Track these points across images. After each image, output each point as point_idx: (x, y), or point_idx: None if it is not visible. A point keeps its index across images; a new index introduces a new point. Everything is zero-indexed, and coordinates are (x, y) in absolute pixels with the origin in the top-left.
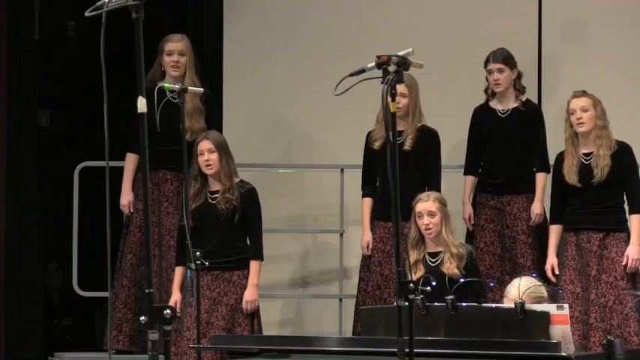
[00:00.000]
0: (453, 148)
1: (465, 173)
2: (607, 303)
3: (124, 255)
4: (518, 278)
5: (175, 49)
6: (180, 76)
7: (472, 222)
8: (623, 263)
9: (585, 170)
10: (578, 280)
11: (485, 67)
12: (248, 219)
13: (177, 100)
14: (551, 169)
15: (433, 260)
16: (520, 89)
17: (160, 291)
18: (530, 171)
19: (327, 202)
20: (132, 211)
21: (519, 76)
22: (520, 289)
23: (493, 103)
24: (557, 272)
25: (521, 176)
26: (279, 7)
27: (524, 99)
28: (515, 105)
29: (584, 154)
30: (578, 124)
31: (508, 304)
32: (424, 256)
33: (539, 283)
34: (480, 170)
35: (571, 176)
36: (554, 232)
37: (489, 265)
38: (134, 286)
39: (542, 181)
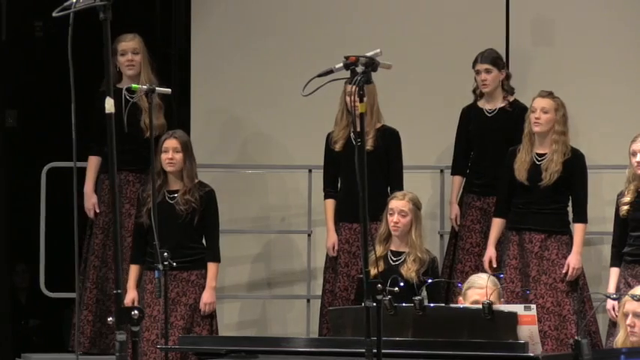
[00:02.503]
0: (411, 148)
1: (453, 173)
2: (545, 304)
3: (88, 257)
4: (478, 274)
5: (128, 47)
6: (135, 74)
7: (459, 223)
8: (564, 271)
9: (535, 170)
10: (518, 280)
11: (474, 67)
12: (206, 221)
13: (136, 100)
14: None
15: (395, 259)
16: (508, 90)
17: (123, 292)
18: None
19: (294, 202)
20: (97, 211)
21: (507, 77)
22: (486, 278)
23: (481, 103)
24: (494, 265)
25: None
26: (244, 9)
27: (512, 99)
28: (502, 105)
29: (537, 154)
30: (535, 123)
31: (475, 294)
32: (387, 253)
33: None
34: (467, 171)
35: (521, 173)
36: (497, 225)
37: (474, 266)
38: (95, 287)
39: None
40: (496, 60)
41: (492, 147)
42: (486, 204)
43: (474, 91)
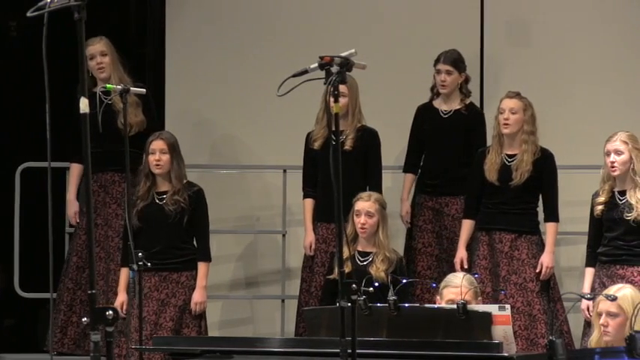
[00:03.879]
0: (393, 148)
1: (405, 171)
2: (515, 304)
3: (70, 257)
4: (454, 274)
5: (96, 51)
6: (107, 77)
7: (409, 220)
8: (537, 270)
9: (506, 171)
10: (488, 280)
11: (435, 65)
12: (196, 221)
13: (112, 101)
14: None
15: (362, 259)
16: (466, 93)
17: (108, 293)
18: (469, 173)
19: (268, 203)
20: (77, 221)
21: (467, 80)
22: (464, 278)
23: (437, 103)
24: (465, 266)
25: (459, 177)
26: (220, 10)
27: (468, 102)
28: (458, 107)
29: (507, 154)
30: (504, 124)
31: (450, 293)
32: (354, 254)
33: (475, 281)
34: (419, 169)
35: (491, 174)
36: (467, 226)
37: (427, 266)
38: (79, 288)
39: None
40: (457, 62)
41: (446, 148)
42: (438, 204)
43: (432, 89)
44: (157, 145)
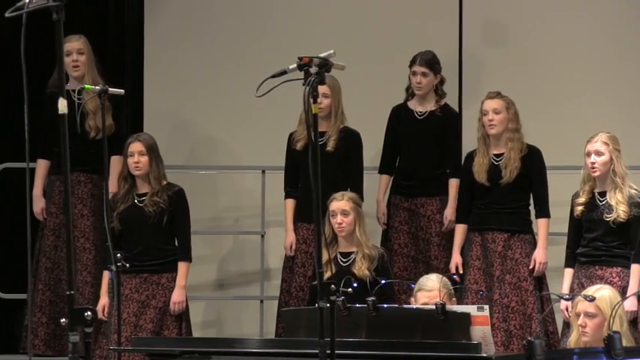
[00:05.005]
0: (368, 149)
1: (380, 172)
2: (510, 303)
3: (39, 258)
4: (428, 275)
5: (73, 48)
6: (81, 75)
7: (385, 221)
8: (530, 267)
9: (494, 170)
10: (482, 280)
11: (410, 67)
12: (177, 221)
13: (82, 101)
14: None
15: (344, 260)
16: (441, 94)
17: (75, 293)
18: (444, 174)
19: (247, 203)
20: (45, 216)
21: (442, 81)
22: (435, 282)
23: (412, 104)
24: (460, 271)
25: (434, 178)
26: (198, 10)
27: (442, 103)
28: (433, 108)
29: (494, 154)
30: (490, 125)
31: (424, 296)
32: (336, 255)
33: (449, 282)
34: (394, 171)
35: (480, 175)
36: (460, 231)
37: (403, 267)
38: (48, 289)
39: (456, 187)
40: (433, 64)
41: (421, 149)
42: (414, 205)
43: (407, 90)
44: (135, 147)
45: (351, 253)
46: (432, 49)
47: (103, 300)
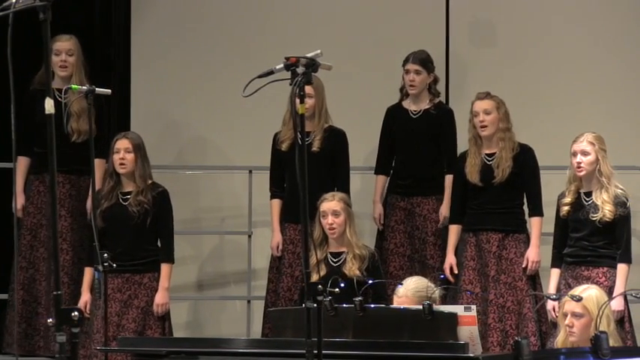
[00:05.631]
0: (360, 150)
1: (376, 172)
2: (505, 303)
3: (15, 258)
4: (411, 278)
5: (63, 48)
6: (68, 76)
7: (382, 222)
8: (523, 265)
9: (487, 170)
10: (477, 281)
11: (404, 66)
12: (160, 222)
13: (66, 101)
14: None
15: (335, 260)
16: (435, 93)
17: (50, 293)
18: (440, 173)
19: (234, 203)
20: (24, 214)
21: (435, 80)
22: (408, 287)
23: (406, 103)
24: (455, 272)
25: (430, 178)
26: (184, 10)
27: (437, 102)
28: (427, 107)
29: (486, 154)
30: (481, 127)
31: (396, 302)
32: (326, 255)
33: (432, 285)
34: (391, 170)
35: (473, 175)
36: (454, 231)
37: (399, 267)
38: (22, 289)
39: (451, 183)
40: (426, 62)
41: (416, 148)
42: (410, 204)
43: (401, 90)
44: (122, 144)
45: (341, 253)
46: (422, 49)
47: (85, 297)
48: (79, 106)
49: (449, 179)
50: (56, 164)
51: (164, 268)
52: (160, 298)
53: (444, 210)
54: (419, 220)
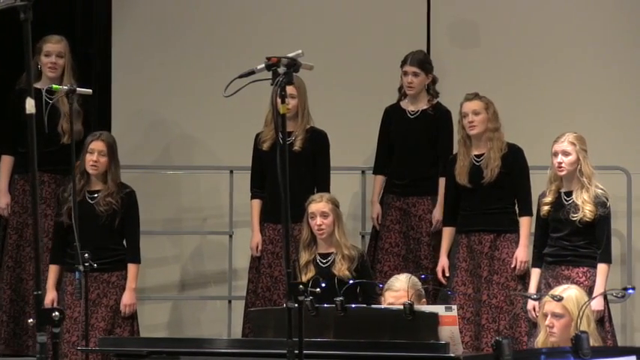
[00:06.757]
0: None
1: (374, 172)
2: (498, 304)
3: (1, 257)
4: (399, 275)
5: (54, 50)
6: (56, 77)
7: (379, 222)
8: (512, 265)
9: (476, 171)
10: (469, 282)
11: (402, 67)
12: (127, 222)
13: (54, 101)
14: None
15: (324, 261)
16: (433, 94)
17: (42, 293)
18: (437, 173)
19: (215, 203)
20: (9, 213)
21: (434, 81)
22: (405, 281)
23: (404, 104)
24: (447, 274)
25: (426, 178)
26: (166, 9)
27: (435, 102)
28: (425, 107)
29: (475, 155)
30: (470, 127)
31: (390, 297)
32: (315, 256)
33: (419, 283)
34: (389, 171)
35: (462, 177)
36: (447, 234)
37: (393, 266)
38: (9, 288)
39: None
40: (424, 64)
41: (413, 148)
42: (406, 204)
43: (399, 90)
44: (97, 145)
45: (330, 254)
46: (401, 49)
47: (51, 294)
48: (69, 107)
49: (442, 182)
50: (43, 164)
51: (131, 268)
52: (127, 298)
53: (437, 214)
54: (414, 220)
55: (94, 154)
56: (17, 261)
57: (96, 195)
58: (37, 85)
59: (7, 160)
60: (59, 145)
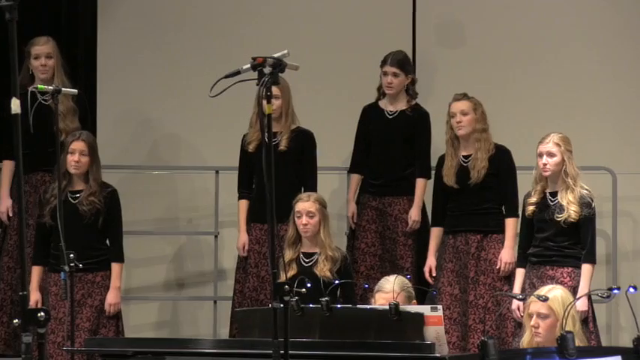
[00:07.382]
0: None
1: (350, 171)
2: (485, 304)
3: (1, 258)
4: (388, 276)
5: (42, 52)
6: (48, 78)
7: (355, 220)
8: (497, 267)
9: (463, 172)
10: (456, 282)
11: (382, 67)
12: (109, 221)
13: (49, 102)
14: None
15: (307, 260)
16: (412, 95)
17: (28, 294)
18: (413, 174)
19: (201, 204)
20: (10, 215)
21: (413, 82)
22: (395, 282)
23: (383, 103)
24: (434, 274)
25: (403, 178)
26: (152, 9)
27: (413, 103)
28: (403, 108)
29: (463, 156)
30: (458, 127)
31: (381, 298)
32: (299, 255)
33: (409, 283)
34: (365, 170)
35: (449, 177)
36: (435, 234)
37: (370, 266)
38: (10, 289)
39: (421, 187)
40: (404, 65)
41: (390, 148)
42: (382, 204)
43: (378, 89)
44: (78, 146)
45: (313, 253)
46: (387, 49)
47: (35, 295)
48: (66, 106)
49: (419, 183)
50: (43, 164)
51: (115, 267)
52: (111, 297)
53: (413, 214)
54: (390, 219)
55: (76, 154)
56: (17, 262)
57: (78, 195)
58: (32, 89)
59: (9, 165)
60: (53, 143)
